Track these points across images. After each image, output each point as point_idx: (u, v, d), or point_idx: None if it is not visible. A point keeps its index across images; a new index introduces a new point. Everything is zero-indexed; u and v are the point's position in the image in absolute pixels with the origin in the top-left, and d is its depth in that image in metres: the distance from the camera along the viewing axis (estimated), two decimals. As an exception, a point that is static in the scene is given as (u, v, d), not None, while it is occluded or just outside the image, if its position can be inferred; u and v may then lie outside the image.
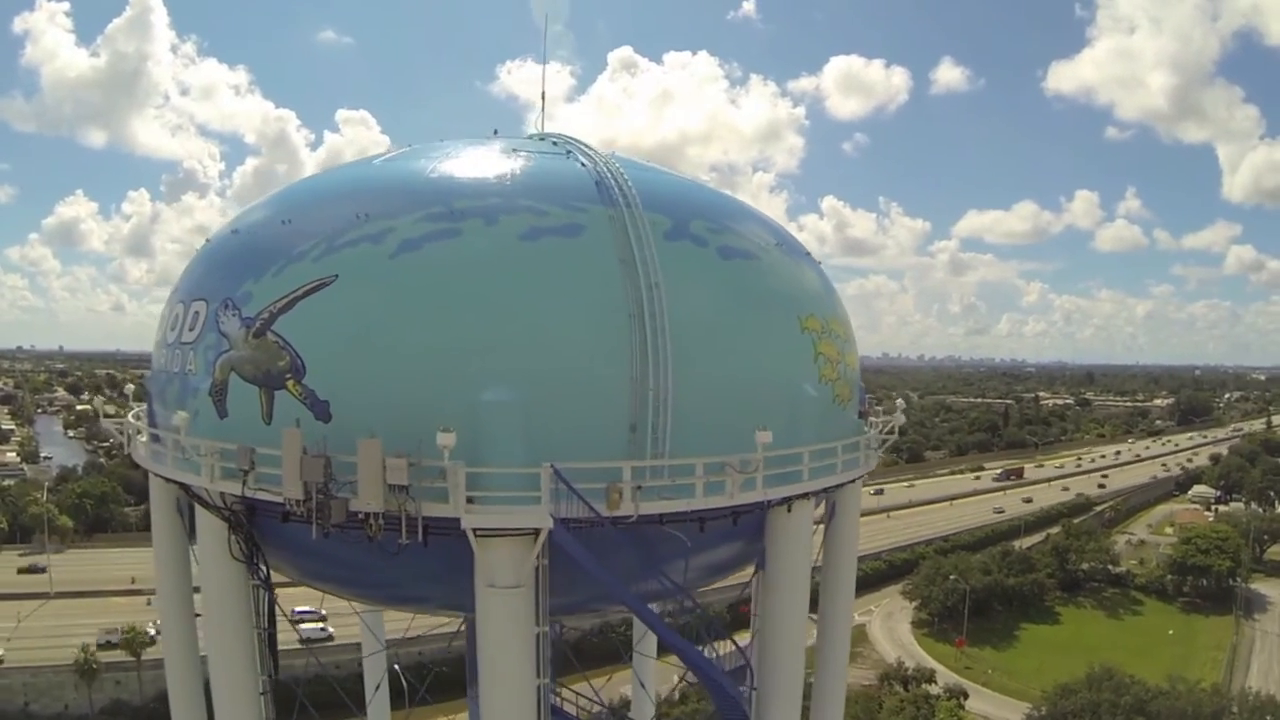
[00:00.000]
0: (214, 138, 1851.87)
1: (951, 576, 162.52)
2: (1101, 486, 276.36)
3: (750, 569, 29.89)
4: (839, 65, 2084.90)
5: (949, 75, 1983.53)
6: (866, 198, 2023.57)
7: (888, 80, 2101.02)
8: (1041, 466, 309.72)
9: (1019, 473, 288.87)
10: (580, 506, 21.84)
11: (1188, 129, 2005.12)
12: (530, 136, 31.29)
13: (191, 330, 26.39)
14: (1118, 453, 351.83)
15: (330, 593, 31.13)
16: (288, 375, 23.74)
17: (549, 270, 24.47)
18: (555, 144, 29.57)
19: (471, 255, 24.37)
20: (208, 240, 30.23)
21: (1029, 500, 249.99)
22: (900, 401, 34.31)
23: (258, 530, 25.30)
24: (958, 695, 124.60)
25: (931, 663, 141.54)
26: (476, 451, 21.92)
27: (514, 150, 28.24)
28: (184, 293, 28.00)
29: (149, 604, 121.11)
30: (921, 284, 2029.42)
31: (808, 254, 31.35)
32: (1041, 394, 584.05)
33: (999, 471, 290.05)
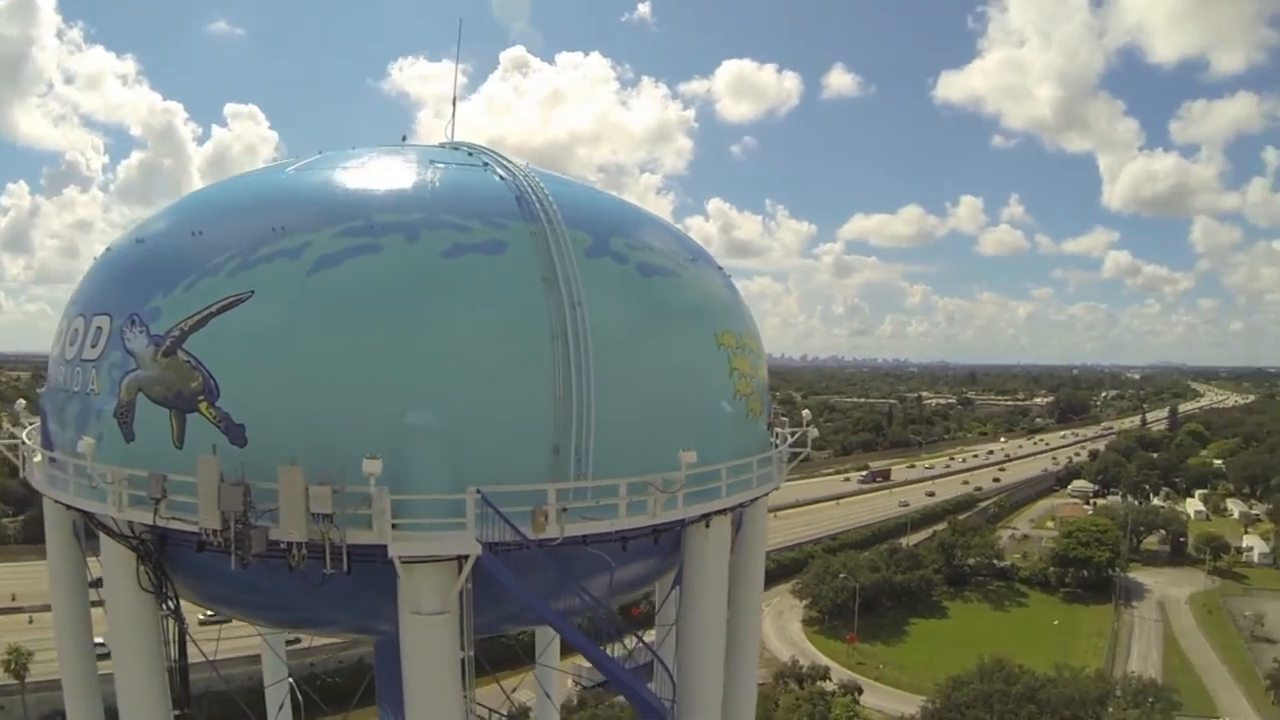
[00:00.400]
0: (98, 129, 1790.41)
1: (841, 575, 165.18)
2: (997, 480, 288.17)
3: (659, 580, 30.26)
4: (731, 69, 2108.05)
5: (840, 81, 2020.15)
6: (753, 200, 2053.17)
7: (779, 85, 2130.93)
8: (931, 466, 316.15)
9: (886, 474, 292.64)
10: (506, 530, 21.63)
11: (1071, 139, 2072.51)
12: (442, 145, 30.60)
13: (94, 347, 24.99)
14: (990, 452, 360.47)
15: (241, 619, 29.96)
16: (200, 397, 22.68)
17: (472, 289, 23.97)
18: (470, 154, 28.95)
19: (393, 273, 23.62)
20: (108, 249, 28.57)
21: (932, 494, 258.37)
22: (807, 413, 34.46)
23: (168, 559, 24.15)
24: (852, 691, 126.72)
25: (824, 660, 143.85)
26: (400, 476, 21.43)
27: (431, 161, 27.57)
28: (84, 305, 26.50)
29: (31, 622, 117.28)
30: (806, 286, 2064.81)
31: (720, 268, 31.39)
32: (924, 394, 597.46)
33: (865, 473, 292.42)
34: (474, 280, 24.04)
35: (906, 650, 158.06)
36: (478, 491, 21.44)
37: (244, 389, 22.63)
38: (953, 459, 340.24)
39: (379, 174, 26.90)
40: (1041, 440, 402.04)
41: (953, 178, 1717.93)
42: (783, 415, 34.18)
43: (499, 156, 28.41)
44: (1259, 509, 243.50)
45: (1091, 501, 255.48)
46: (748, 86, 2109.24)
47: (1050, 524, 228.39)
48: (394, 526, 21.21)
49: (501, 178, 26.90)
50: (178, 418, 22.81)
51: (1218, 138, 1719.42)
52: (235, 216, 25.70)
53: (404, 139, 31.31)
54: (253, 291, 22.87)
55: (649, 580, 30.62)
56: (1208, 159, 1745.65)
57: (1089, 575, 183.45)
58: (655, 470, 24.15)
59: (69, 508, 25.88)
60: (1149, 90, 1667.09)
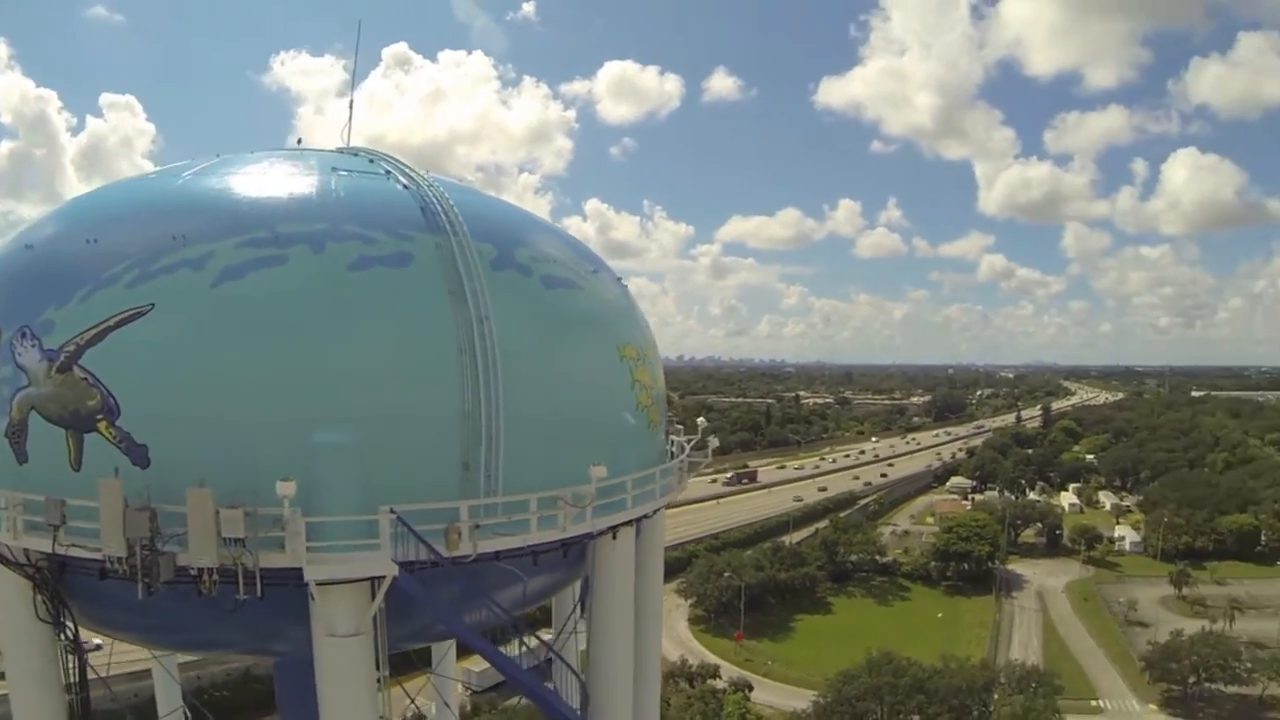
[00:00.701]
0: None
1: (725, 573, 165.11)
2: (884, 475, 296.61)
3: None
4: (613, 70, 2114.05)
5: (722, 84, 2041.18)
6: (631, 201, 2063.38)
7: (661, 87, 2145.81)
8: (802, 466, 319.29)
9: (752, 476, 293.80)
10: (420, 548, 21.31)
11: (949, 146, 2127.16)
12: (340, 150, 29.77)
13: None
14: (861, 452, 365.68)
15: (139, 645, 28.94)
16: (99, 416, 21.54)
17: (379, 302, 23.27)
18: (371, 161, 28.31)
19: (299, 285, 22.79)
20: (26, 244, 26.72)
21: (824, 489, 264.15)
22: (702, 421, 34.76)
23: (66, 587, 22.99)
24: (742, 688, 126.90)
25: (713, 658, 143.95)
26: (310, 495, 20.70)
27: (333, 169, 26.71)
28: None
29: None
30: (683, 286, 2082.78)
31: (619, 278, 31.40)
32: (802, 393, 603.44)
33: (729, 475, 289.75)
34: (381, 293, 23.35)
35: (793, 646, 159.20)
36: (392, 512, 21.04)
37: (146, 407, 21.64)
38: (823, 458, 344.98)
39: (281, 181, 25.87)
40: (914, 439, 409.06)
41: (832, 182, 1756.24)
42: (678, 423, 34.61)
43: (400, 163, 27.91)
44: (1129, 500, 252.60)
45: (970, 497, 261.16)
46: (629, 88, 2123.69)
47: (930, 520, 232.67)
48: (306, 548, 20.58)
49: (405, 186, 26.38)
50: (75, 438, 21.72)
51: (1089, 148, 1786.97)
52: (131, 223, 24.35)
53: (299, 141, 30.84)
54: (153, 304, 21.83)
55: (555, 590, 30.87)
56: (1080, 168, 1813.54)
57: (969, 568, 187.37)
58: (562, 483, 24.13)
59: None
60: (1026, 101, 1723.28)
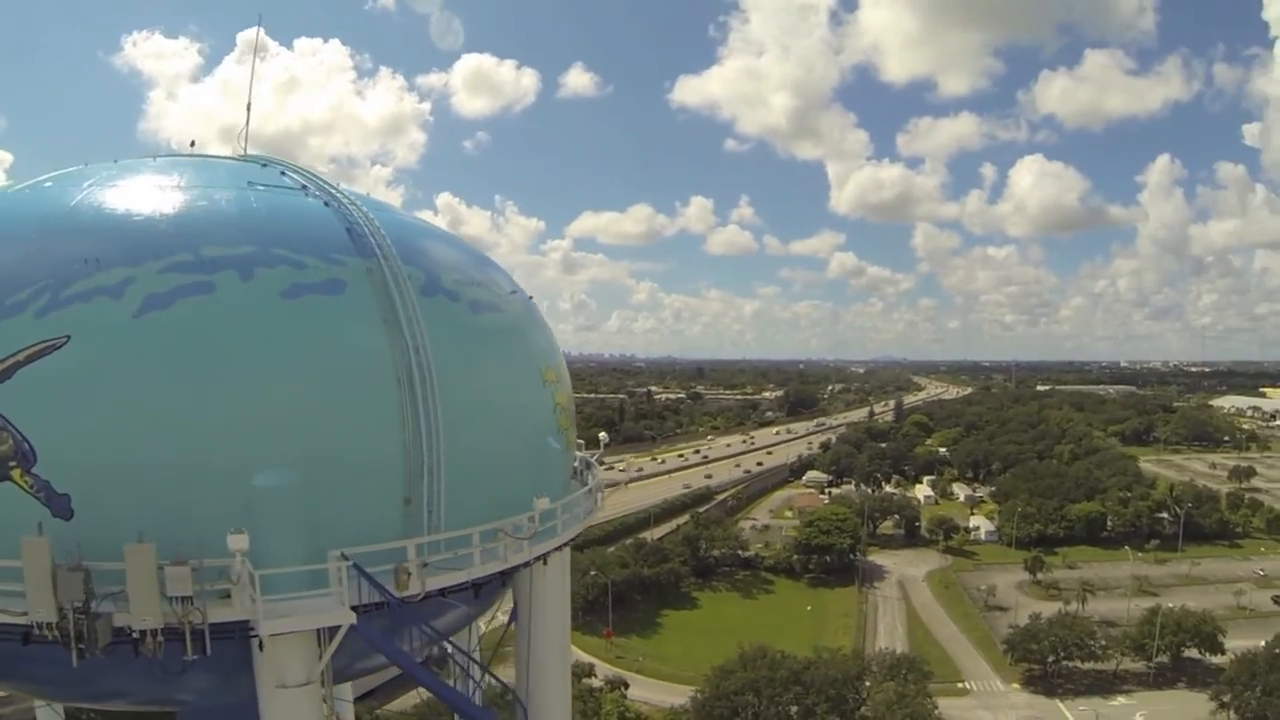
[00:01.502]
0: None
1: (591, 571, 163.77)
2: (760, 465, 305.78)
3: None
4: (470, 63, 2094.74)
5: (579, 80, 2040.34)
6: (483, 196, 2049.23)
7: (517, 81, 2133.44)
8: (664, 461, 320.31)
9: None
10: (368, 591, 20.57)
11: (803, 147, 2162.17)
12: (243, 158, 28.23)
13: None
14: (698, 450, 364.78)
15: (64, 704, 27.54)
16: (12, 463, 19.43)
17: (314, 333, 21.93)
18: (283, 173, 26.67)
19: (229, 315, 21.10)
20: None
21: (709, 477, 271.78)
22: (604, 436, 35.65)
23: None
24: (618, 686, 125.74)
25: (586, 657, 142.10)
26: (252, 542, 19.28)
27: (249, 182, 24.96)
28: None
29: None
30: (533, 281, 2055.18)
31: (530, 297, 30.90)
32: (654, 388, 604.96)
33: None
34: (315, 324, 22.04)
35: (662, 642, 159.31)
36: (344, 557, 20.19)
37: (66, 452, 19.59)
38: (682, 454, 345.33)
39: (194, 196, 23.84)
40: (749, 439, 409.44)
41: (685, 179, 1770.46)
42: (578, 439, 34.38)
43: (314, 176, 26.66)
44: (982, 491, 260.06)
45: (826, 491, 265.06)
46: (485, 82, 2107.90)
47: (789, 513, 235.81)
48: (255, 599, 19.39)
49: (326, 204, 25.06)
50: None
51: (941, 152, 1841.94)
52: (28, 243, 21.82)
53: (192, 144, 29.38)
54: (68, 336, 19.79)
55: (482, 613, 30.41)
56: (931, 171, 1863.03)
57: (831, 560, 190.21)
58: (498, 513, 23.69)
59: None
60: (879, 105, 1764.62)
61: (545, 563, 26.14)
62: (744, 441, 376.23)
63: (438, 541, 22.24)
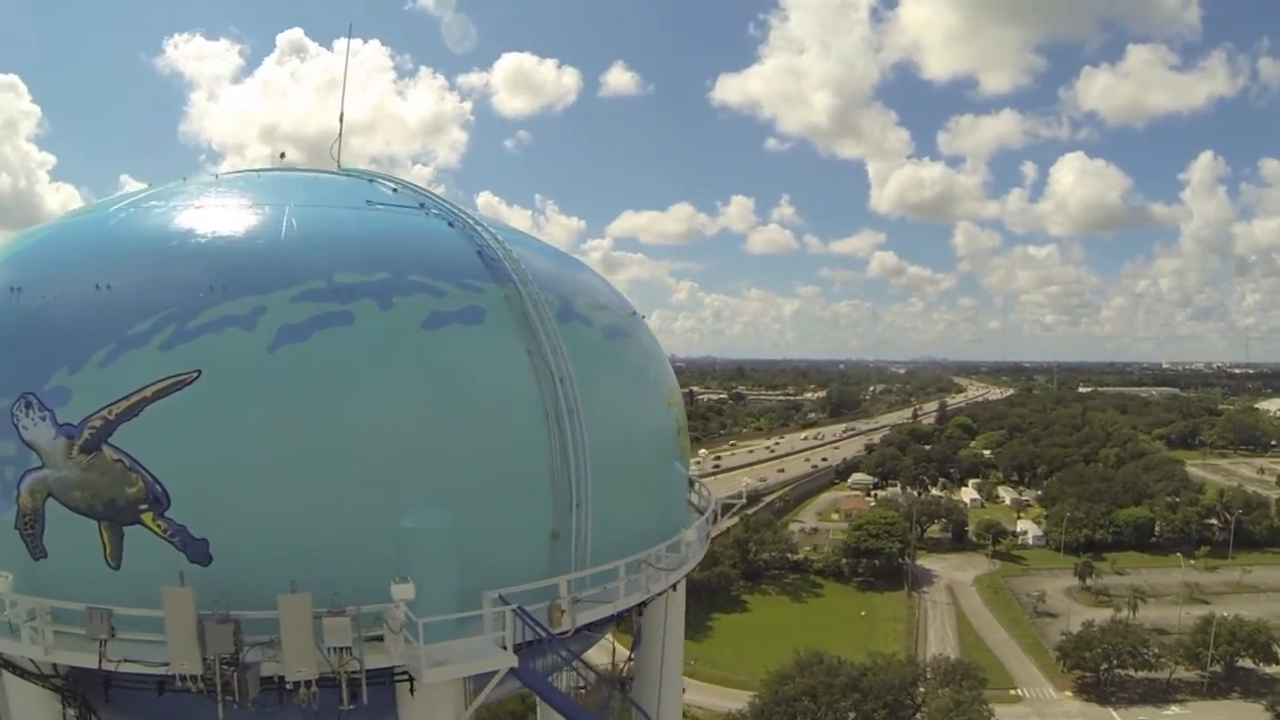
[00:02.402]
0: None
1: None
2: (825, 460, 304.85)
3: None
4: (511, 62, 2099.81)
5: (620, 79, 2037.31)
6: (523, 195, 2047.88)
7: (558, 80, 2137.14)
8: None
9: None
10: (522, 629, 19.65)
11: (844, 145, 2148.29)
12: (347, 173, 27.57)
13: None
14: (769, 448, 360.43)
15: None
16: (142, 506, 18.25)
17: (458, 364, 21.14)
18: (396, 189, 25.74)
19: (370, 348, 19.88)
20: None
21: (782, 470, 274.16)
22: (704, 452, 34.45)
23: (104, 698, 19.51)
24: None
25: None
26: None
27: (367, 201, 24.06)
28: None
29: None
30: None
31: (643, 317, 29.62)
32: (695, 388, 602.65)
33: None
34: (459, 355, 21.23)
35: (714, 645, 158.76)
36: (503, 600, 19.55)
37: (202, 495, 18.43)
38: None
39: (311, 215, 22.64)
40: (818, 435, 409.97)
41: (725, 178, 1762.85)
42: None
43: (429, 194, 25.84)
44: (1028, 495, 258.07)
45: (872, 493, 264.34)
46: (526, 81, 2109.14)
47: (835, 516, 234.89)
48: (409, 644, 18.55)
49: (450, 224, 24.16)
50: (111, 531, 18.42)
51: (982, 151, 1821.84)
52: (140, 269, 20.45)
53: (282, 155, 28.57)
54: (199, 371, 18.53)
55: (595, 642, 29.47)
56: (972, 170, 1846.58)
57: (880, 564, 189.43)
58: (636, 542, 23.14)
59: None
60: (920, 103, 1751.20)
61: (675, 589, 25.72)
62: (804, 440, 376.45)
63: (585, 578, 21.59)
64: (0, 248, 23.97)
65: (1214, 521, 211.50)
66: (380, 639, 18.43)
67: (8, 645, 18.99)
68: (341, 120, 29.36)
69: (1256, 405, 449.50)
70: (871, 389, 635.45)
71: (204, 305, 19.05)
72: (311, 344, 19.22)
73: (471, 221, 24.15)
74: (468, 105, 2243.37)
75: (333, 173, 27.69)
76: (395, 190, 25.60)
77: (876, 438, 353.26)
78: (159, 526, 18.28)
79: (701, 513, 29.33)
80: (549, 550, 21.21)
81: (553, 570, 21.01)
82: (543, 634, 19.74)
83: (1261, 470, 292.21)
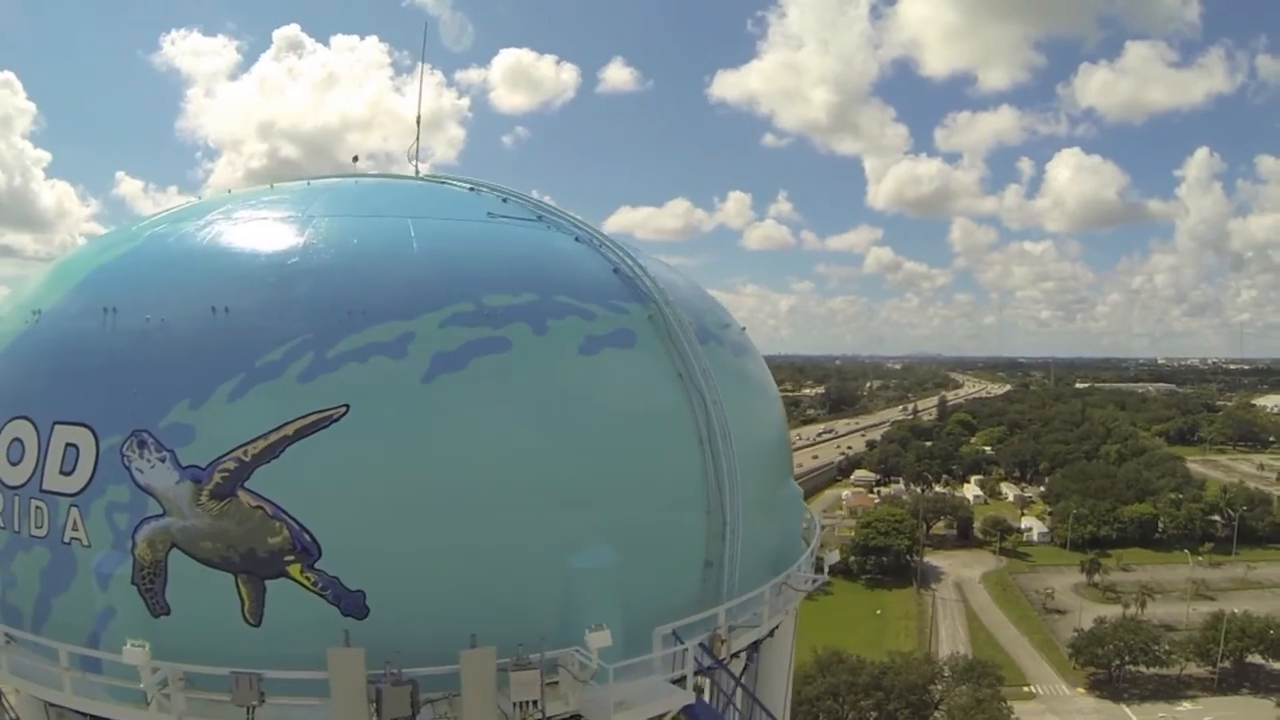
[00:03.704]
0: None
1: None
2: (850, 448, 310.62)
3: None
4: (509, 58, 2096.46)
5: (618, 75, 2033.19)
6: (521, 190, 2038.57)
7: (557, 76, 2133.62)
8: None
9: None
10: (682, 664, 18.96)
11: (842, 141, 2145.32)
12: (438, 179, 26.22)
13: (66, 474, 17.51)
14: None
15: None
16: (289, 558, 16.66)
17: (615, 392, 20.12)
18: (506, 200, 24.28)
19: (529, 376, 18.61)
20: (36, 314, 19.80)
21: (816, 458, 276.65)
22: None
23: None
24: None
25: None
26: (568, 626, 17.62)
27: (489, 214, 22.63)
28: (22, 404, 18.58)
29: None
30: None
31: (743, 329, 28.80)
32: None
33: None
34: (616, 382, 20.19)
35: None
36: (677, 638, 18.84)
37: (356, 543, 16.95)
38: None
39: (435, 229, 21.23)
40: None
41: (723, 174, 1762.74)
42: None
43: (541, 204, 24.78)
44: (1030, 491, 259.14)
45: (875, 490, 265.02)
46: (524, 77, 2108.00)
47: (840, 512, 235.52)
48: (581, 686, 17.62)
49: (577, 239, 22.91)
50: (251, 585, 16.80)
51: (979, 147, 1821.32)
52: (265, 287, 18.66)
53: (355, 159, 27.58)
54: (347, 406, 16.85)
55: None
56: (969, 165, 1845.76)
57: (887, 561, 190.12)
58: (770, 566, 22.67)
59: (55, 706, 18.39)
60: (919, 99, 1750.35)
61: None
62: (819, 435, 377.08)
63: (739, 603, 20.90)
64: (70, 262, 22.31)
65: (1217, 518, 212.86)
66: (554, 684, 17.28)
67: (132, 714, 16.97)
68: (419, 122, 28.22)
69: (1253, 401, 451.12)
70: (868, 385, 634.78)
71: (344, 331, 17.36)
72: (469, 373, 17.80)
73: (593, 234, 23.11)
74: (465, 102, 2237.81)
75: (420, 179, 26.23)
76: (505, 200, 24.18)
77: (877, 434, 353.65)
78: (308, 579, 16.72)
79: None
80: (701, 579, 20.50)
81: (705, 599, 20.30)
82: (720, 668, 19.50)
83: (1261, 466, 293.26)
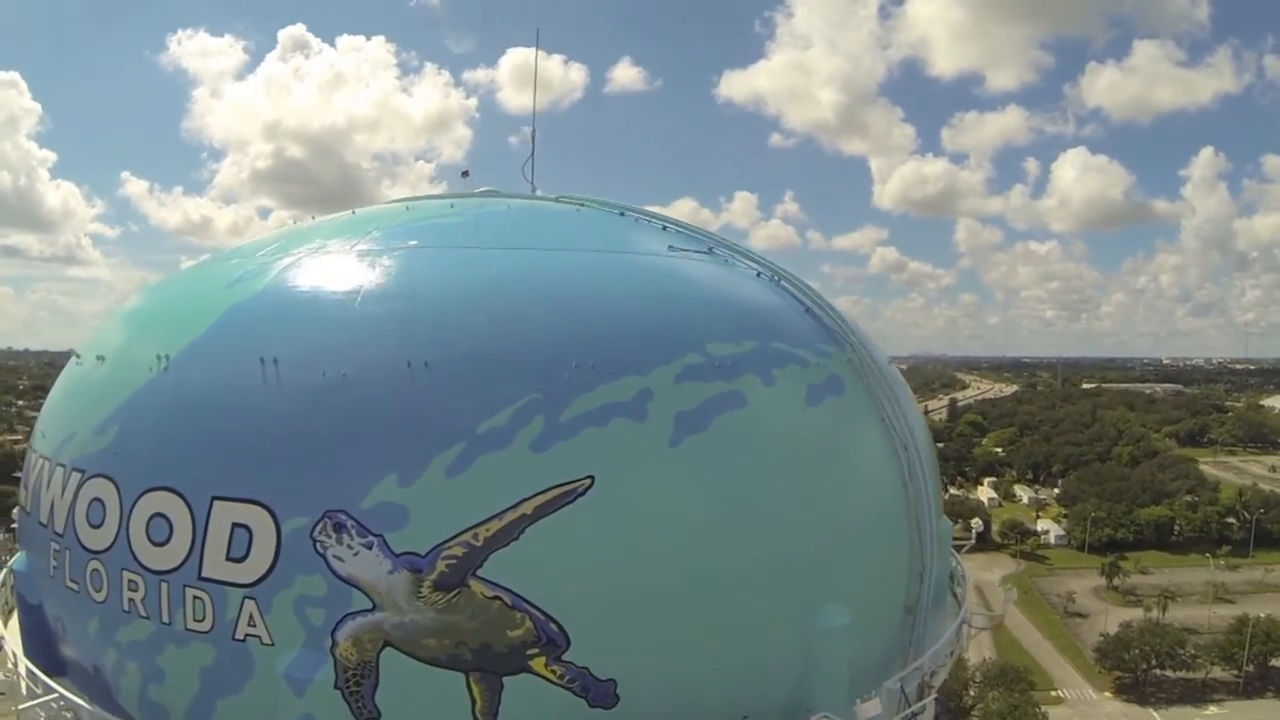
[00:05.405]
0: None
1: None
2: None
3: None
4: (516, 58, 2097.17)
5: (626, 75, 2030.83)
6: (526, 190, 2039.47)
7: (565, 76, 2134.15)
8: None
9: None
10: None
11: (849, 141, 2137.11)
12: (558, 198, 24.78)
13: (238, 562, 15.32)
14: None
15: None
16: (532, 651, 15.17)
17: (839, 444, 19.50)
18: (665, 228, 22.97)
19: (764, 432, 17.56)
20: (162, 360, 17.49)
21: None
22: None
23: None
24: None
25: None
26: (805, 689, 17.33)
27: (670, 248, 21.08)
28: (160, 473, 16.24)
29: None
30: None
31: None
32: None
33: None
34: (838, 434, 19.50)
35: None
36: (903, 689, 18.74)
37: (607, 629, 15.66)
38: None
39: (633, 267, 20.08)
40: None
41: (729, 173, 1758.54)
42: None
43: (701, 232, 23.39)
44: (1045, 494, 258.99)
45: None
46: (532, 77, 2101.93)
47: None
48: None
49: (759, 274, 21.67)
50: (485, 683, 15.26)
51: (986, 147, 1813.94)
52: (468, 339, 16.53)
53: (465, 174, 26.31)
54: (591, 477, 15.22)
55: None
56: (975, 166, 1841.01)
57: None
58: (937, 600, 22.08)
59: None
60: (926, 100, 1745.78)
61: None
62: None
63: (941, 646, 20.99)
64: (185, 297, 20.00)
65: (1233, 520, 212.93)
66: None
67: None
68: (534, 138, 27.41)
69: (1262, 402, 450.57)
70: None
71: (574, 390, 15.59)
72: (712, 434, 16.43)
73: (763, 265, 21.94)
74: (473, 102, 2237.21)
75: (548, 199, 24.70)
76: (665, 228, 22.76)
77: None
78: (553, 672, 15.37)
79: None
80: (899, 625, 20.13)
81: (905, 644, 20.04)
82: (944, 708, 20.06)
83: (1273, 469, 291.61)
